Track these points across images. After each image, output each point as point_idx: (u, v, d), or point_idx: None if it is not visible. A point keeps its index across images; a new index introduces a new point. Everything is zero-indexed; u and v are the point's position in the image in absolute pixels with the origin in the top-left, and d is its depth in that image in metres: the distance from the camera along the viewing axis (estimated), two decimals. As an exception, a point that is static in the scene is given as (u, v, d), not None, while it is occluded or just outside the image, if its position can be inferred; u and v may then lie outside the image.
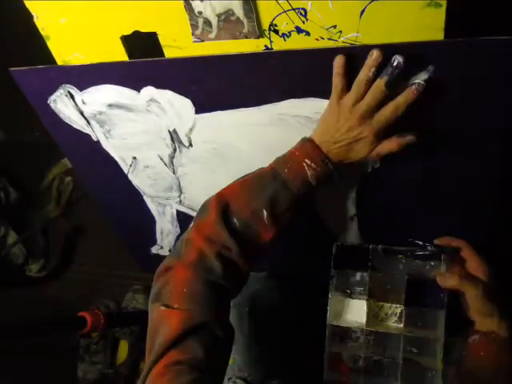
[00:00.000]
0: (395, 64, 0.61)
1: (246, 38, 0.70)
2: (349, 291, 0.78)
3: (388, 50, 0.63)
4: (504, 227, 0.86)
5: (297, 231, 0.88)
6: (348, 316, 0.77)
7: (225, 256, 0.62)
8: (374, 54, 0.61)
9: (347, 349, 0.77)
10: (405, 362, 0.73)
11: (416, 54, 0.64)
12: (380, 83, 0.62)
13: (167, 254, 1.18)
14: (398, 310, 0.75)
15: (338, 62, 0.64)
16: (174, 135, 0.88)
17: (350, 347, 0.77)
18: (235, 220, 0.63)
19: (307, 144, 0.66)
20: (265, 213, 0.63)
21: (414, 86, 0.62)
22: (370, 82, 0.63)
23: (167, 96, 0.81)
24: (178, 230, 1.11)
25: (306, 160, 0.64)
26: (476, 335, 0.68)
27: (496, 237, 0.84)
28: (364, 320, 0.75)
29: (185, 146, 0.89)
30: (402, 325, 0.74)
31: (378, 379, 0.76)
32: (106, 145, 0.94)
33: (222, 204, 0.64)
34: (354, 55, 0.66)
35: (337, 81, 0.65)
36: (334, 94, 0.66)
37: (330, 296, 0.77)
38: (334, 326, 0.77)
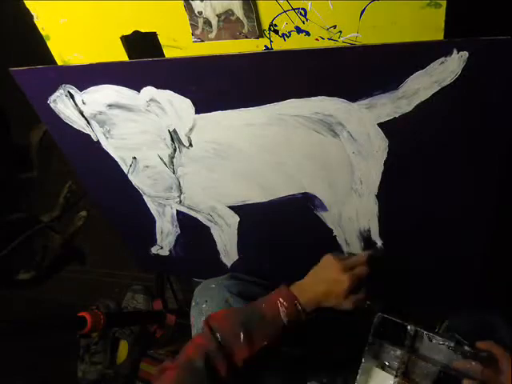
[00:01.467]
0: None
1: (246, 38, 0.70)
2: (384, 363, 0.80)
3: (387, 51, 0.63)
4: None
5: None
6: None
7: (210, 360, 0.71)
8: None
9: None
10: None
11: (415, 53, 0.64)
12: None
13: (167, 254, 1.18)
14: None
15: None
16: (174, 135, 0.88)
17: None
18: (218, 335, 0.73)
19: (284, 289, 0.79)
20: (241, 336, 0.73)
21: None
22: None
23: (167, 96, 0.81)
24: (178, 230, 1.11)
25: (280, 299, 0.77)
26: None
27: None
28: None
29: (185, 146, 0.89)
30: None
31: None
32: (105, 145, 0.94)
33: (211, 322, 0.76)
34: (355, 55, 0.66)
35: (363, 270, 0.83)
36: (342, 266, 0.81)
37: (363, 361, 0.80)
38: None
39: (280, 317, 0.75)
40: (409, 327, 0.78)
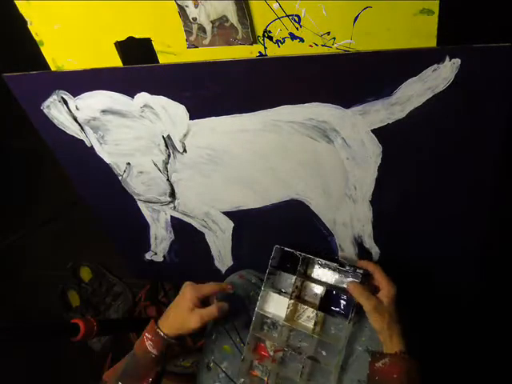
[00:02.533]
0: None
1: (240, 44, 0.71)
2: (281, 289, 0.91)
3: (381, 58, 0.63)
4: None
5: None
6: (272, 309, 0.90)
7: None
8: None
9: (268, 337, 0.90)
10: (309, 359, 0.84)
11: (408, 60, 0.64)
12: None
13: (161, 260, 1.18)
14: (316, 315, 0.85)
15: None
16: (168, 141, 0.87)
17: (272, 336, 0.90)
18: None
19: (151, 321, 0.82)
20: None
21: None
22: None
23: (161, 102, 0.81)
24: (172, 236, 1.10)
25: (146, 334, 0.80)
26: (386, 358, 0.74)
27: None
28: (283, 315, 0.87)
29: (179, 151, 0.89)
30: (317, 328, 0.85)
31: (285, 370, 0.87)
32: (99, 150, 0.94)
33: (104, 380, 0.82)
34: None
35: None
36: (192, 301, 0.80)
37: (262, 288, 0.89)
38: (260, 313, 0.89)
39: (148, 351, 0.78)
40: (301, 255, 0.88)
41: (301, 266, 0.88)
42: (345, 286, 0.84)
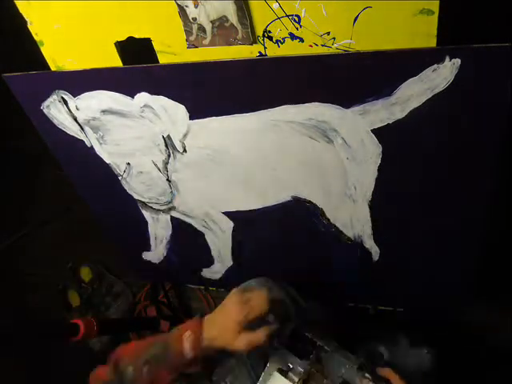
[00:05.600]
0: None
1: (240, 44, 0.71)
2: (290, 366, 0.80)
3: (381, 58, 0.63)
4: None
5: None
6: None
7: None
8: None
9: None
10: None
11: (408, 60, 0.64)
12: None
13: (161, 260, 1.18)
14: None
15: None
16: (167, 141, 0.87)
17: None
18: (121, 370, 0.73)
19: (195, 320, 0.76)
20: (144, 372, 0.73)
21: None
22: None
23: (161, 102, 0.81)
24: (172, 236, 1.10)
25: (188, 334, 0.74)
26: None
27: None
28: None
29: (179, 151, 0.89)
30: None
31: None
32: (99, 151, 0.94)
33: (115, 358, 0.75)
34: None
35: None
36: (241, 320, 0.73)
37: (268, 364, 0.80)
38: None
39: (185, 351, 0.73)
40: (318, 343, 0.79)
41: (316, 352, 0.79)
42: None
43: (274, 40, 0.70)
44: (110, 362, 0.74)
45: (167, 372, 0.73)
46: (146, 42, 0.75)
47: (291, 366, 0.79)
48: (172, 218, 1.06)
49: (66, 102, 0.86)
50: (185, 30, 0.71)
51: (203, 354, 0.73)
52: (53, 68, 0.83)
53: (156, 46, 0.75)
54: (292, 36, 0.68)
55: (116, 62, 0.79)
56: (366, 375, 0.76)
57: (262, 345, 0.73)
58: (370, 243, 0.93)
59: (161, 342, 0.76)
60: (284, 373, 0.79)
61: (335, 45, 0.68)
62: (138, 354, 0.75)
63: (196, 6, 0.68)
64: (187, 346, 0.72)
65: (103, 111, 0.86)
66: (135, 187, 1.00)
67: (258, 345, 0.72)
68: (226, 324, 0.73)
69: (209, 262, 1.14)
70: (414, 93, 0.68)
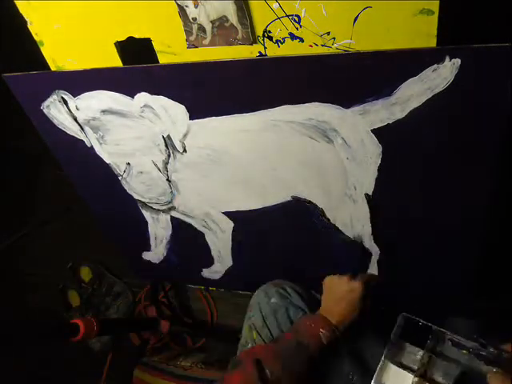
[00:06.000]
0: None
1: (240, 44, 0.71)
2: (403, 362, 0.78)
3: (381, 58, 0.63)
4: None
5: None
6: (393, 382, 0.78)
7: None
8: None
9: None
10: None
11: (408, 60, 0.64)
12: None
13: (161, 259, 1.18)
14: None
15: None
16: (168, 141, 0.87)
17: None
18: (267, 371, 0.74)
19: (320, 317, 0.82)
20: (288, 374, 0.75)
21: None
22: None
23: (161, 102, 0.81)
24: (172, 236, 1.10)
25: (321, 330, 0.80)
26: None
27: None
28: None
29: (179, 151, 0.89)
30: None
31: None
32: (99, 151, 0.94)
33: (255, 358, 0.75)
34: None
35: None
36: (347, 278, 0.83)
37: (382, 359, 0.78)
38: None
39: (321, 345, 0.79)
40: (433, 327, 0.77)
41: (431, 339, 0.77)
42: (484, 370, 0.72)
43: (273, 40, 0.70)
44: (250, 364, 0.74)
45: (304, 371, 0.77)
46: (146, 42, 0.75)
47: (407, 356, 0.78)
48: (172, 218, 1.06)
49: (65, 102, 0.86)
50: (185, 30, 0.71)
51: (332, 343, 0.80)
52: (53, 68, 0.83)
53: (156, 46, 0.75)
54: (292, 36, 0.68)
55: (116, 62, 0.79)
56: (491, 350, 0.72)
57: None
58: (369, 243, 0.93)
59: (295, 346, 0.79)
60: (400, 363, 0.78)
61: (335, 45, 0.68)
62: (278, 362, 0.76)
63: (196, 6, 0.68)
64: (325, 339, 0.79)
65: (103, 111, 0.86)
66: (135, 187, 1.00)
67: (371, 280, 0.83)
68: (350, 299, 0.82)
69: (209, 262, 1.14)
70: (414, 93, 0.68)
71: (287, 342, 0.80)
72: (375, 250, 0.94)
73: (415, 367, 0.77)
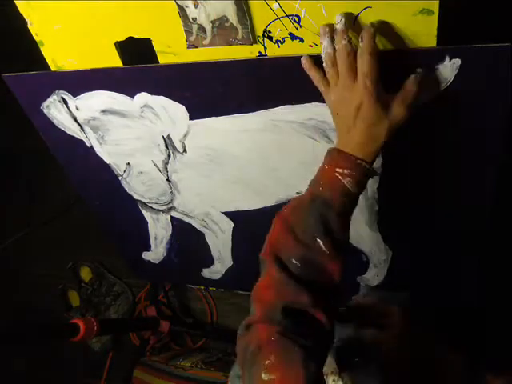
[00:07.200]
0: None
1: (240, 44, 0.71)
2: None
3: (380, 58, 0.63)
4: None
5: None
6: None
7: (295, 310, 0.53)
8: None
9: None
10: None
11: (408, 60, 0.64)
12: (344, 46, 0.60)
13: (161, 260, 1.18)
14: None
15: (305, 62, 0.65)
16: (168, 141, 0.87)
17: None
18: (294, 261, 0.55)
19: (332, 153, 0.60)
20: (320, 242, 0.55)
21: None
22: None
23: (161, 102, 0.81)
24: (173, 236, 1.10)
25: (337, 169, 0.57)
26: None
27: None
28: None
29: (179, 151, 0.89)
30: None
31: None
32: (99, 151, 0.94)
33: (275, 254, 0.57)
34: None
35: (313, 73, 0.64)
36: (321, 86, 0.64)
37: None
38: None
39: (348, 190, 0.57)
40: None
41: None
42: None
43: (273, 40, 0.70)
44: (271, 264, 0.56)
45: (343, 232, 0.58)
46: (146, 42, 0.75)
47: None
48: (172, 218, 1.06)
49: (65, 102, 0.86)
50: (185, 30, 0.71)
51: (367, 177, 0.59)
52: (53, 68, 0.83)
53: (156, 46, 0.75)
54: (292, 36, 0.68)
55: (116, 62, 0.79)
56: None
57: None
58: (369, 244, 0.93)
59: (309, 204, 0.57)
60: None
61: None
62: (295, 236, 0.56)
63: (196, 6, 0.68)
64: (349, 183, 0.57)
65: (103, 111, 0.86)
66: (135, 187, 1.00)
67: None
68: (364, 115, 0.58)
69: (209, 262, 1.14)
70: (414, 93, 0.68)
71: (302, 205, 0.58)
72: (375, 251, 0.94)
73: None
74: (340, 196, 0.57)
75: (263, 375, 0.48)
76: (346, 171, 0.57)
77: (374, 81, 0.58)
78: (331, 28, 0.62)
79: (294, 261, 0.55)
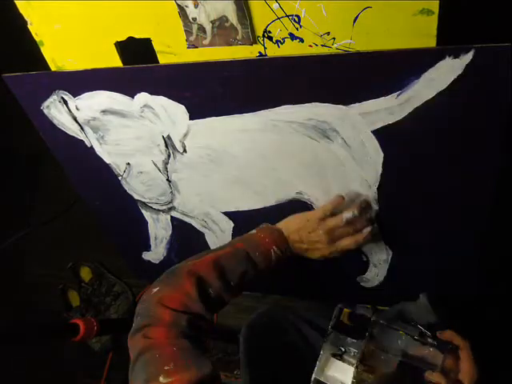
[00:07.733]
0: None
1: (240, 44, 0.71)
2: (342, 349, 0.77)
3: (381, 58, 0.63)
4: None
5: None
6: (334, 375, 0.76)
7: (194, 317, 0.66)
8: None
9: None
10: None
11: (408, 60, 0.64)
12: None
13: (161, 259, 1.18)
14: None
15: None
16: (167, 141, 0.87)
17: None
18: (211, 291, 0.69)
19: (276, 233, 0.78)
20: (232, 284, 0.72)
21: (368, 229, 0.80)
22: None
23: (161, 102, 0.81)
24: (172, 236, 1.10)
25: (274, 247, 0.76)
26: None
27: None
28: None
29: (179, 151, 0.89)
30: None
31: None
32: (99, 151, 0.94)
33: (196, 276, 0.69)
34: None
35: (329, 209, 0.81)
36: (321, 213, 0.80)
37: (321, 352, 0.77)
38: (319, 381, 0.76)
39: (272, 261, 0.75)
40: (372, 319, 0.78)
41: (370, 329, 0.77)
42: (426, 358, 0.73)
43: (273, 40, 0.70)
44: (188, 282, 0.67)
45: (250, 281, 0.74)
46: (146, 42, 0.75)
47: (344, 349, 0.77)
48: (172, 218, 1.06)
49: (66, 102, 0.86)
50: (185, 30, 0.71)
51: (283, 260, 0.77)
52: (53, 68, 0.83)
53: (156, 46, 0.75)
54: (292, 36, 0.68)
55: (116, 62, 0.79)
56: (430, 340, 0.74)
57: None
58: (369, 244, 0.93)
59: (243, 258, 0.74)
60: (339, 357, 0.76)
61: (335, 45, 0.68)
62: (220, 275, 0.70)
63: (196, 6, 0.68)
64: (274, 257, 0.75)
65: (103, 111, 0.86)
66: (135, 187, 1.00)
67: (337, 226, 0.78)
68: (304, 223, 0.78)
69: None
70: (414, 93, 0.68)
71: (235, 255, 0.74)
72: (374, 251, 0.94)
73: (354, 360, 0.75)
74: (265, 263, 0.75)
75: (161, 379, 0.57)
76: (278, 251, 0.76)
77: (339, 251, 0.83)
78: None
79: (210, 291, 0.70)
